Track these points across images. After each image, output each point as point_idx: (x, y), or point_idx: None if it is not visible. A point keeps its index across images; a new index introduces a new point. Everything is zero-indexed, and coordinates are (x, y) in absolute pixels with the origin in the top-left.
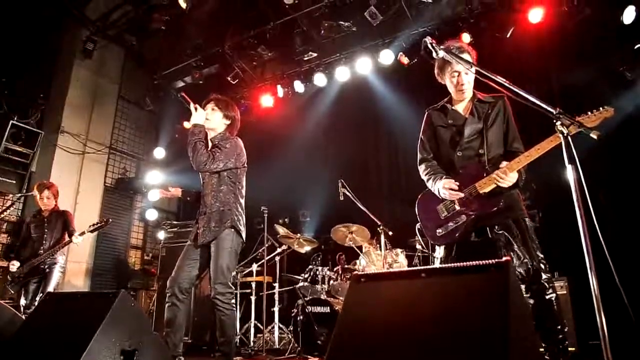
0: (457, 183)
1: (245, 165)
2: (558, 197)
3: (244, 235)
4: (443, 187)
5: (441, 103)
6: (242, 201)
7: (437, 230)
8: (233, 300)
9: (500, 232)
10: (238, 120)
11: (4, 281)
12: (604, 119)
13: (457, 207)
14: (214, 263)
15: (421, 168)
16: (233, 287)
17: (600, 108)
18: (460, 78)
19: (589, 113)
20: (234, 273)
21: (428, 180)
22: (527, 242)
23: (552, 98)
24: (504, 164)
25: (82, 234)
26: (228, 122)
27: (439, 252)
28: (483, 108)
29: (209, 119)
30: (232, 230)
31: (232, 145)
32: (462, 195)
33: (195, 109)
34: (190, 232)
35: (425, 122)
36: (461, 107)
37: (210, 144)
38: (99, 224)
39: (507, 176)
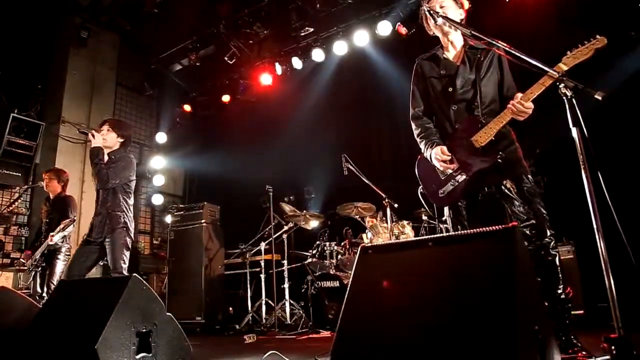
0: (456, 147)
1: (135, 177)
2: (563, 162)
3: (132, 233)
4: (435, 159)
5: (432, 51)
6: (131, 203)
7: (439, 192)
8: None
9: (502, 190)
10: (130, 137)
11: (21, 272)
12: (596, 50)
13: (456, 166)
14: (112, 256)
15: (413, 126)
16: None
17: (591, 38)
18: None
19: (580, 46)
20: (126, 265)
21: (421, 142)
22: (530, 200)
23: (554, 60)
24: (518, 96)
25: (56, 233)
26: (122, 140)
27: (446, 212)
28: (475, 55)
29: (106, 139)
30: (124, 229)
31: (126, 162)
32: (454, 166)
33: (93, 135)
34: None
35: (416, 73)
36: (452, 55)
37: (107, 158)
38: (67, 223)
39: (524, 106)
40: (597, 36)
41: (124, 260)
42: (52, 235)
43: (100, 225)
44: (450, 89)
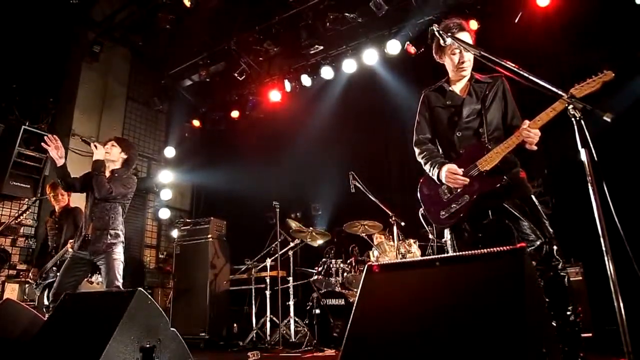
0: (462, 169)
1: (132, 195)
2: (572, 183)
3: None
4: (447, 173)
5: (438, 84)
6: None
7: (441, 213)
8: None
9: (509, 211)
10: (135, 156)
11: (28, 284)
12: (604, 83)
13: (460, 188)
14: (108, 271)
15: (417, 150)
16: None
17: (599, 72)
18: (462, 55)
19: (588, 79)
20: (121, 280)
21: (426, 164)
22: (537, 219)
23: (563, 82)
24: (526, 123)
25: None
26: (125, 156)
27: (447, 235)
28: (481, 88)
29: (109, 152)
30: (121, 244)
31: (129, 178)
32: (467, 181)
33: (96, 147)
34: (78, 242)
35: (422, 103)
36: (458, 88)
37: (109, 173)
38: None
39: (532, 132)
40: (605, 70)
41: (120, 275)
42: (72, 243)
43: (97, 241)
44: (456, 118)
